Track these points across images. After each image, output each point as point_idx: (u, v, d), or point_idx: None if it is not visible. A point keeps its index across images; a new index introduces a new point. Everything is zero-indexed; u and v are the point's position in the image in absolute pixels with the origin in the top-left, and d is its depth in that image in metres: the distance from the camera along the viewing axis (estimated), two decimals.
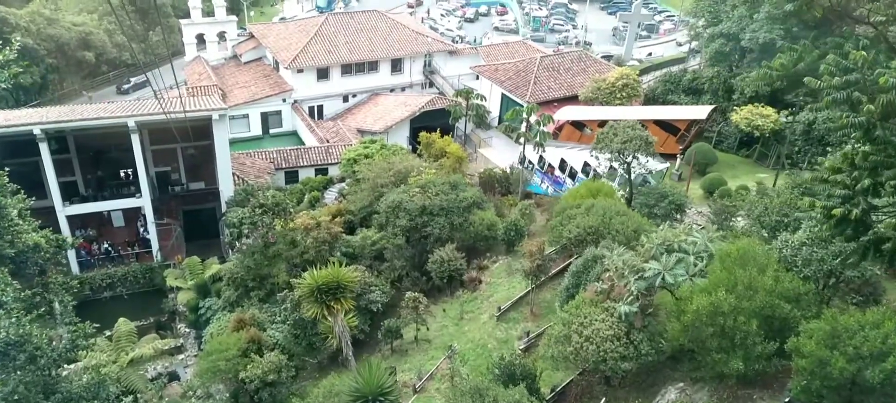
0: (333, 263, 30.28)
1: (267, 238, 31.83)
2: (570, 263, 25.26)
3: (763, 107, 39.44)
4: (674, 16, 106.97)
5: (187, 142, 44.71)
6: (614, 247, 18.72)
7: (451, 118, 49.44)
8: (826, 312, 14.33)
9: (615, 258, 16.95)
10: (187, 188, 47.65)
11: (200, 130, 41.83)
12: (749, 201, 22.09)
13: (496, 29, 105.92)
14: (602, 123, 43.31)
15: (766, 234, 19.39)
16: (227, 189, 41.49)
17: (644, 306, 15.91)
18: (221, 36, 65.86)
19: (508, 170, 38.05)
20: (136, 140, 37.61)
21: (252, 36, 66.72)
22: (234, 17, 67.14)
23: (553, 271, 25.63)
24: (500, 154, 50.79)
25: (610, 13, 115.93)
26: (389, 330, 24.92)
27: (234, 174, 43.19)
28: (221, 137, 39.72)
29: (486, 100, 49.67)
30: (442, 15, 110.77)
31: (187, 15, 65.40)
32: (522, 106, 52.83)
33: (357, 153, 41.47)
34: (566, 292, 20.73)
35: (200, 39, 65.24)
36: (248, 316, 27.65)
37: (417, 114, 54.13)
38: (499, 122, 56.44)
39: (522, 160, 38.58)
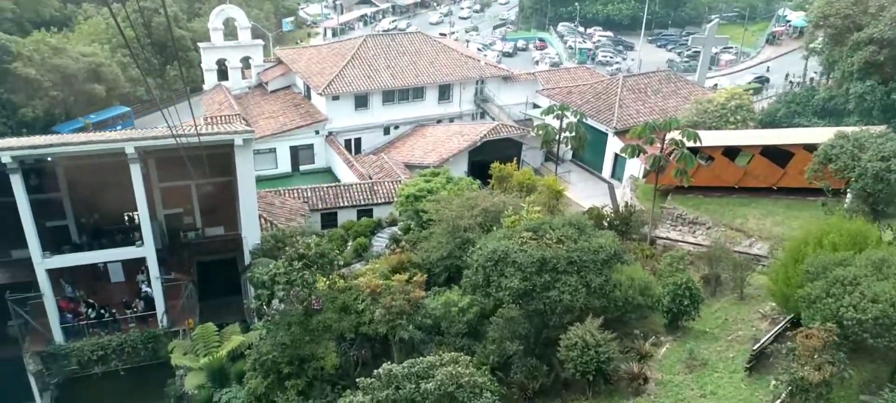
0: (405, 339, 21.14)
1: (309, 302, 22.64)
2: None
3: None
4: (732, 47, 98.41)
5: (204, 179, 36.10)
6: None
7: (542, 143, 40.53)
8: None
9: None
10: (203, 234, 38.80)
11: (219, 163, 33.32)
12: None
13: (537, 63, 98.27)
14: (728, 151, 34.20)
15: None
16: (251, 235, 32.64)
17: None
18: (246, 62, 58.10)
19: (627, 207, 28.75)
20: (136, 171, 29.00)
21: (280, 61, 58.91)
22: (260, 41, 59.51)
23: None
24: (582, 192, 41.62)
25: (659, 46, 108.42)
26: None
27: (260, 216, 34.37)
28: (245, 168, 31.02)
29: (585, 118, 40.63)
30: (478, 49, 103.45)
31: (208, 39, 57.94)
32: (606, 133, 44.11)
33: (418, 188, 32.48)
34: None
35: (221, 67, 57.53)
36: None
37: (478, 144, 45.34)
38: (574, 154, 47.46)
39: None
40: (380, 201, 41.21)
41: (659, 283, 20.90)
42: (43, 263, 29.21)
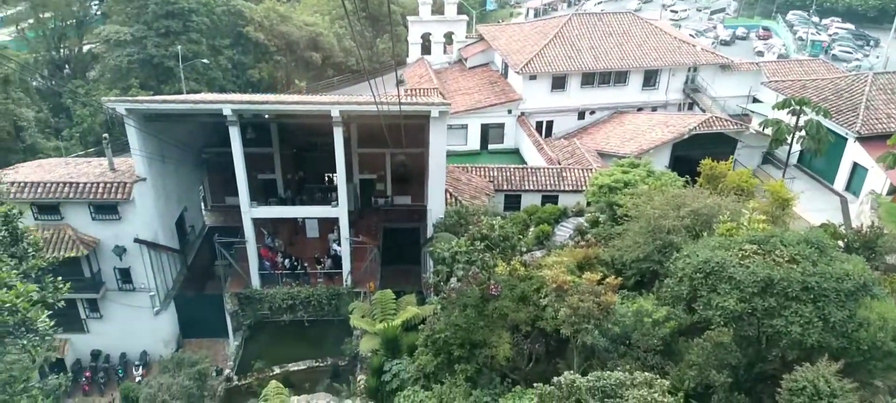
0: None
1: (487, 286, 21.39)
2: None
3: None
4: None
5: (398, 148, 36.72)
6: None
7: (772, 140, 35.71)
8: None
9: None
10: (391, 202, 39.68)
11: (414, 135, 33.48)
12: None
13: (758, 53, 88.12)
14: None
15: None
16: (436, 207, 32.37)
17: None
18: (448, 37, 58.58)
19: (873, 227, 23.67)
20: (338, 135, 29.82)
21: (481, 38, 58.53)
22: (464, 16, 59.58)
23: None
24: (807, 203, 35.77)
25: None
26: None
27: (446, 191, 34.00)
28: (438, 140, 30.61)
29: (826, 114, 34.86)
30: (691, 34, 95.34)
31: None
32: (845, 137, 37.58)
33: (613, 179, 29.80)
34: None
35: (425, 41, 58.57)
36: None
37: (685, 136, 41.09)
38: (799, 159, 41.28)
39: None
40: (567, 188, 39.04)
41: None
42: (250, 212, 31.33)
